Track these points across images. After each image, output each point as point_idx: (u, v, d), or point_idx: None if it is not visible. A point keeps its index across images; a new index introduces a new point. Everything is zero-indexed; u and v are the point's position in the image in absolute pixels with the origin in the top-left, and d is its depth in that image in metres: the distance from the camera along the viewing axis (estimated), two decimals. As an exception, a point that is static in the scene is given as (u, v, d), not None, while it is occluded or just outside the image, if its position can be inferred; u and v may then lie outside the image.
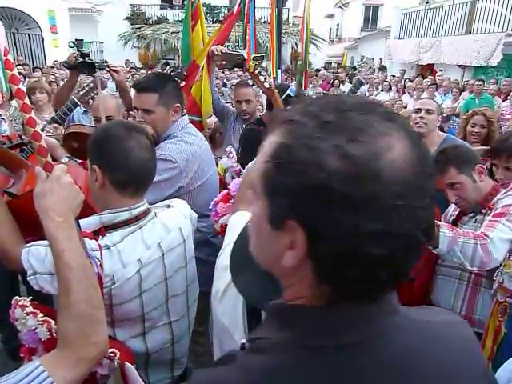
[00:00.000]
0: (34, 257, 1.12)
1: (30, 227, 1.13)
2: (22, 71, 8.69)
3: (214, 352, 0.92)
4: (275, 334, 0.55)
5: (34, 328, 1.06)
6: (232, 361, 0.55)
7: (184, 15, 3.58)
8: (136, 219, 1.25)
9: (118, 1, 19.42)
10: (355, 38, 21.93)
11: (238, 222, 1.03)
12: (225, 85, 10.01)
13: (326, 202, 0.46)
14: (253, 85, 2.90)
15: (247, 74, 2.96)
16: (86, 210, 1.13)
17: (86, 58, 2.42)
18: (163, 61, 17.75)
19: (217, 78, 9.19)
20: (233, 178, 2.27)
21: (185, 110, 2.21)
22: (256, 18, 4.51)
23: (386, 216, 0.46)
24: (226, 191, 1.75)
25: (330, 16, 27.75)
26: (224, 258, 0.91)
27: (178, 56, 19.56)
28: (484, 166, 1.83)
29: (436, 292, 1.96)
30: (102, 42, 19.25)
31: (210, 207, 1.75)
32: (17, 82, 1.00)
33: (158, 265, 1.28)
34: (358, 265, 0.48)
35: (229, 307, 0.85)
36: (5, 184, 1.45)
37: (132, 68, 13.13)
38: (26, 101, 1.00)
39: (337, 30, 27.11)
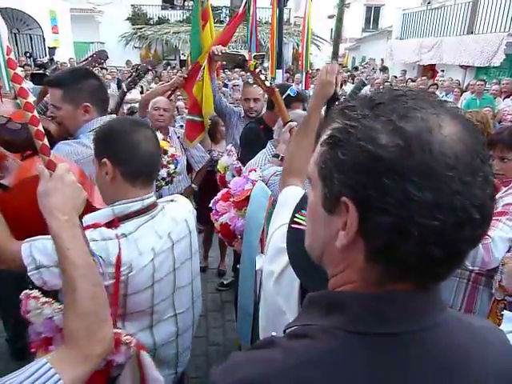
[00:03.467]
0: (39, 250, 1.13)
1: (20, 222, 1.14)
2: (24, 72, 8.72)
3: (260, 334, 0.95)
4: (319, 320, 0.55)
5: (50, 316, 1.09)
6: (272, 345, 0.55)
7: (192, 15, 3.61)
8: (147, 209, 1.30)
9: (119, 1, 19.45)
10: (356, 38, 21.91)
11: (288, 199, 1.05)
12: (226, 85, 10.00)
13: (377, 173, 0.47)
14: (253, 84, 2.92)
15: (248, 73, 2.98)
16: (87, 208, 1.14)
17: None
18: (164, 61, 17.78)
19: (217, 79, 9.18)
20: (233, 176, 2.29)
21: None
22: (257, 19, 4.53)
23: (437, 186, 0.46)
24: (225, 190, 1.76)
25: (332, 16, 27.71)
26: (279, 240, 0.93)
27: (179, 56, 19.63)
28: None
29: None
30: (103, 43, 19.28)
31: (210, 205, 1.76)
32: (19, 81, 1.00)
33: (168, 255, 1.32)
34: (409, 237, 0.47)
35: (285, 288, 0.88)
36: None
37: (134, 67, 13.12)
38: (29, 99, 1.01)
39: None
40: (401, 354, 0.51)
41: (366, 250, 0.52)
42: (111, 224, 1.22)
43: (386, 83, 10.45)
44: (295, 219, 0.86)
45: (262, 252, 1.52)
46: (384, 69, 14.71)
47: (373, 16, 23.32)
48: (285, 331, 0.59)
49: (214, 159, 3.44)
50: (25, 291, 1.10)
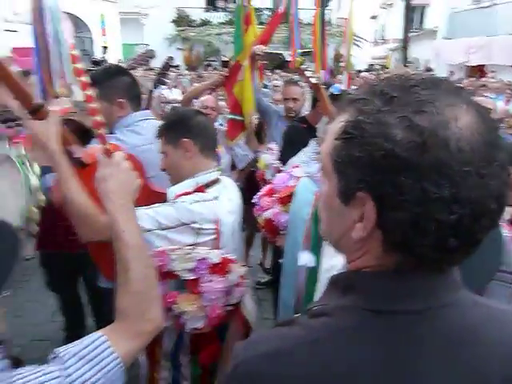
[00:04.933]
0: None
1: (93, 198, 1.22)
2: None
3: None
4: (337, 300, 0.57)
5: (205, 256, 1.34)
6: (293, 323, 0.58)
7: (235, 18, 3.64)
8: (219, 179, 1.56)
9: (164, 4, 20.01)
10: (400, 39, 21.34)
11: None
12: (266, 86, 10.03)
13: (394, 171, 0.48)
14: (298, 81, 2.92)
15: (288, 74, 2.98)
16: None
17: None
18: (205, 62, 18.12)
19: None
20: (273, 175, 2.30)
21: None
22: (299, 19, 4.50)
23: (454, 182, 0.47)
24: (269, 185, 1.78)
25: (375, 17, 27.19)
26: None
27: (220, 58, 19.93)
28: None
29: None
30: (147, 45, 19.90)
31: (254, 201, 1.78)
32: (81, 75, 1.07)
33: (234, 220, 1.58)
34: (426, 232, 0.48)
35: None
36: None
37: (172, 66, 13.43)
38: (90, 92, 1.07)
39: (381, 31, 26.51)
40: (412, 330, 0.53)
41: (384, 241, 0.53)
42: (198, 191, 1.46)
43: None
44: None
45: (306, 248, 1.52)
46: (428, 70, 14.23)
47: (418, 16, 22.59)
48: (306, 312, 0.61)
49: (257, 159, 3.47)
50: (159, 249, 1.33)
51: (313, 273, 1.50)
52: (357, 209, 0.53)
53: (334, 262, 0.97)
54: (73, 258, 2.30)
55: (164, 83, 8.10)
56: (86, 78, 1.06)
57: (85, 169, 1.38)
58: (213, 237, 1.44)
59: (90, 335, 0.85)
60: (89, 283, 2.51)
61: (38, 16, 1.03)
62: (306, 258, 1.49)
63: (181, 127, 1.51)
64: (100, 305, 2.45)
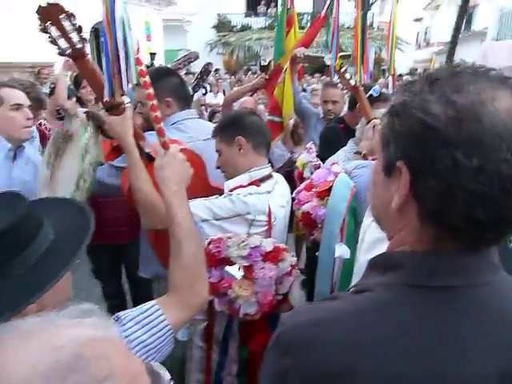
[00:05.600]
0: (196, 207, 1.40)
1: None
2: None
3: None
4: (378, 279, 0.61)
5: (258, 244, 1.43)
6: (336, 298, 0.63)
7: (278, 21, 3.75)
8: (271, 175, 1.65)
9: (206, 11, 20.52)
10: (445, 42, 20.65)
11: None
12: (304, 90, 10.06)
13: (429, 142, 0.53)
14: (338, 83, 2.97)
15: (327, 78, 3.02)
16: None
17: None
18: (245, 67, 18.38)
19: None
20: (311, 173, 2.36)
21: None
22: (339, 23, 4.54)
23: (484, 154, 0.50)
24: (308, 180, 1.86)
25: (419, 19, 26.47)
26: (376, 231, 1.06)
27: (260, 62, 20.14)
28: None
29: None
30: (189, 50, 20.44)
31: (293, 195, 1.87)
32: (144, 75, 1.21)
33: (284, 214, 1.65)
34: (456, 200, 0.52)
35: None
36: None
37: (213, 71, 13.75)
38: (150, 91, 1.21)
39: (425, 33, 25.78)
40: (451, 306, 0.56)
41: (419, 212, 0.57)
42: (252, 184, 1.55)
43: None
44: None
45: (342, 240, 1.59)
46: (475, 73, 13.69)
47: (466, 17, 21.72)
48: (348, 291, 0.66)
49: (294, 160, 3.54)
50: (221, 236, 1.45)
51: (347, 265, 1.56)
52: (396, 180, 0.58)
53: (369, 257, 1.06)
54: (117, 249, 2.46)
55: (204, 87, 8.36)
56: (147, 79, 1.21)
57: (151, 163, 1.52)
58: (264, 228, 1.53)
59: (146, 303, 0.97)
60: (130, 273, 2.65)
61: (108, 24, 1.19)
62: (341, 250, 1.56)
63: (235, 126, 1.62)
64: (139, 293, 2.61)
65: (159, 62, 15.92)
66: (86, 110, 3.49)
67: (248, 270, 1.43)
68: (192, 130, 1.91)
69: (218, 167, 1.67)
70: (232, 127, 1.63)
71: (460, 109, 0.51)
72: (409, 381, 0.55)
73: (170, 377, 0.59)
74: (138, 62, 1.20)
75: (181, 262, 1.03)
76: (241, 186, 1.54)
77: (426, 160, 0.53)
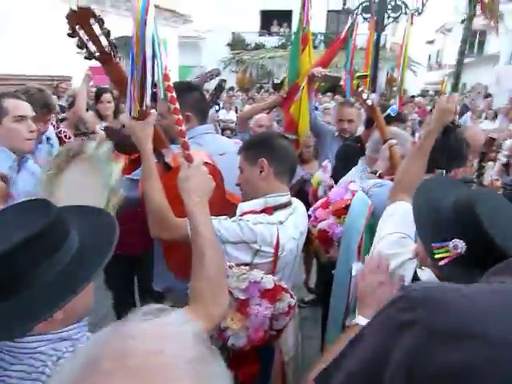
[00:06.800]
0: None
1: (169, 200, 1.36)
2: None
3: None
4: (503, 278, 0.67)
5: (259, 280, 1.36)
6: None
7: (293, 40, 3.82)
8: (289, 203, 1.57)
9: (220, 29, 20.95)
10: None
11: (396, 211, 1.24)
12: (316, 108, 10.14)
13: None
14: (354, 103, 3.00)
15: (339, 98, 3.04)
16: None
17: None
18: (258, 84, 18.63)
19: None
20: (324, 192, 2.37)
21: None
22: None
23: None
24: (325, 198, 1.86)
25: (431, 42, 26.73)
26: (385, 247, 1.15)
27: (273, 80, 20.41)
28: None
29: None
30: (202, 67, 20.82)
31: (309, 213, 1.87)
32: (171, 91, 1.24)
33: (297, 245, 1.58)
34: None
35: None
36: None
37: (228, 89, 13.97)
38: (177, 105, 1.24)
39: (437, 56, 25.97)
40: None
41: None
42: (265, 211, 1.49)
43: (489, 111, 9.75)
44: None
45: (359, 257, 1.58)
46: (487, 96, 13.69)
47: (478, 40, 21.87)
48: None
49: (304, 179, 3.55)
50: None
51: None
52: None
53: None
54: (130, 261, 2.46)
55: (218, 104, 8.45)
56: (174, 94, 1.24)
57: (169, 172, 1.54)
58: (270, 259, 1.45)
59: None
60: (142, 284, 2.66)
61: (136, 40, 1.22)
62: (359, 268, 1.54)
63: (260, 147, 1.58)
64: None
65: (174, 78, 16.20)
66: (105, 125, 3.56)
67: (243, 304, 1.37)
68: (209, 145, 1.93)
69: (238, 184, 1.64)
70: (258, 147, 1.59)
71: None
72: None
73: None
74: (166, 77, 1.24)
75: (204, 272, 1.04)
76: (253, 212, 1.48)
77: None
